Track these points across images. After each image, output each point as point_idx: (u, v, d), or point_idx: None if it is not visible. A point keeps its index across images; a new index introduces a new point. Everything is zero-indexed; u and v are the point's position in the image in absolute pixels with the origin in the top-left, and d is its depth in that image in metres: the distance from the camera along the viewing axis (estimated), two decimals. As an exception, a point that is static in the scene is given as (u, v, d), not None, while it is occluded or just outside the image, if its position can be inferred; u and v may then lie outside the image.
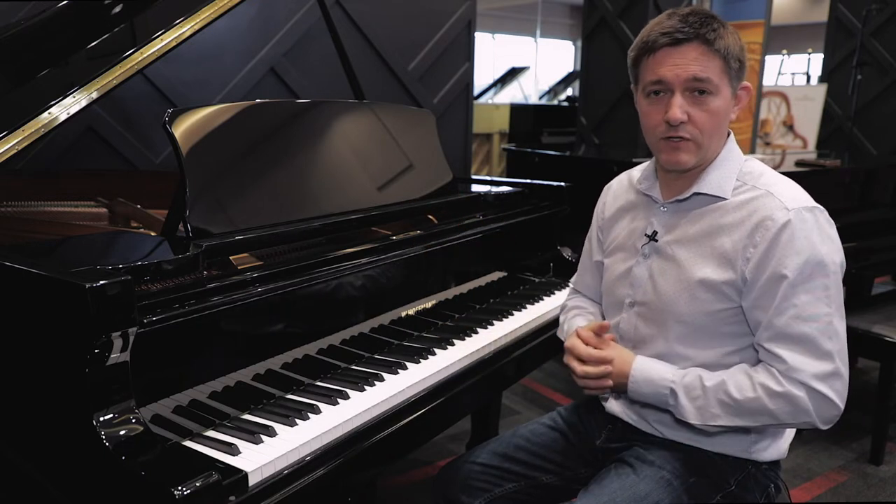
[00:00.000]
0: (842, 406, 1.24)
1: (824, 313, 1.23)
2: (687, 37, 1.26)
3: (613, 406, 1.49)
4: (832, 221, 1.29)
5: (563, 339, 1.52)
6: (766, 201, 1.28)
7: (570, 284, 1.75)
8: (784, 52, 9.31)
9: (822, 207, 1.29)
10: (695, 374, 1.31)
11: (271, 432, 1.20)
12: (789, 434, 1.44)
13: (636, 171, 1.53)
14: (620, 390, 1.39)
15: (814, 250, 1.24)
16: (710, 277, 1.31)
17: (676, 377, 1.31)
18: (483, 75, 12.03)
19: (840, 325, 1.25)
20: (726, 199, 1.33)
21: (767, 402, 1.24)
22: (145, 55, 1.51)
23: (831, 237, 1.27)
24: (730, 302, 1.30)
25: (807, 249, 1.23)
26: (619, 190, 1.58)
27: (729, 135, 1.38)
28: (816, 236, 1.25)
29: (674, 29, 1.27)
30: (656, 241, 1.40)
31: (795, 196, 1.29)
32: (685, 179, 1.38)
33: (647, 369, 1.34)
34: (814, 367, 1.22)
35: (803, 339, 1.23)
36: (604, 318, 1.55)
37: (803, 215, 1.25)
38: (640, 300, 1.42)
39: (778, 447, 1.40)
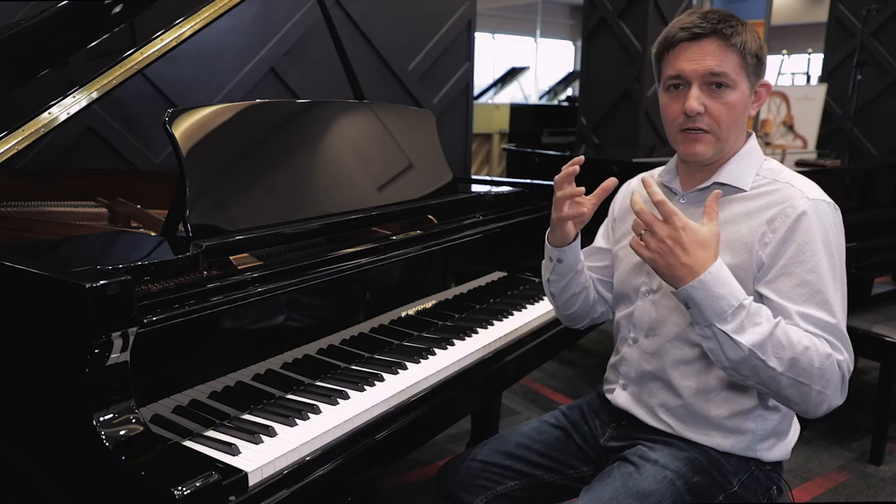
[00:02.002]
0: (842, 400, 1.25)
1: (840, 306, 1.25)
2: (704, 32, 1.31)
3: (620, 398, 1.49)
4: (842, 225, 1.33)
5: (550, 290, 1.58)
6: (787, 191, 1.32)
7: None
8: (784, 52, 9.31)
9: (837, 206, 1.32)
10: (759, 304, 1.22)
11: (271, 432, 1.20)
12: (793, 434, 1.44)
13: (658, 169, 1.57)
14: (672, 273, 1.19)
15: (828, 242, 1.27)
16: (726, 263, 1.27)
17: (748, 298, 1.20)
18: (483, 75, 12.04)
19: (844, 326, 1.27)
20: (745, 191, 1.36)
21: (816, 358, 1.19)
22: (145, 55, 1.51)
23: (843, 235, 1.31)
24: (743, 287, 1.29)
25: (823, 240, 1.27)
26: (638, 185, 1.60)
27: (751, 135, 1.42)
28: (832, 228, 1.29)
29: (692, 24, 1.32)
30: None
31: (815, 190, 1.33)
32: (705, 172, 1.41)
33: (726, 272, 1.19)
34: (840, 354, 1.23)
35: (823, 325, 1.24)
36: (613, 309, 1.57)
37: (822, 206, 1.29)
38: (656, 287, 1.44)
39: (781, 447, 1.40)
